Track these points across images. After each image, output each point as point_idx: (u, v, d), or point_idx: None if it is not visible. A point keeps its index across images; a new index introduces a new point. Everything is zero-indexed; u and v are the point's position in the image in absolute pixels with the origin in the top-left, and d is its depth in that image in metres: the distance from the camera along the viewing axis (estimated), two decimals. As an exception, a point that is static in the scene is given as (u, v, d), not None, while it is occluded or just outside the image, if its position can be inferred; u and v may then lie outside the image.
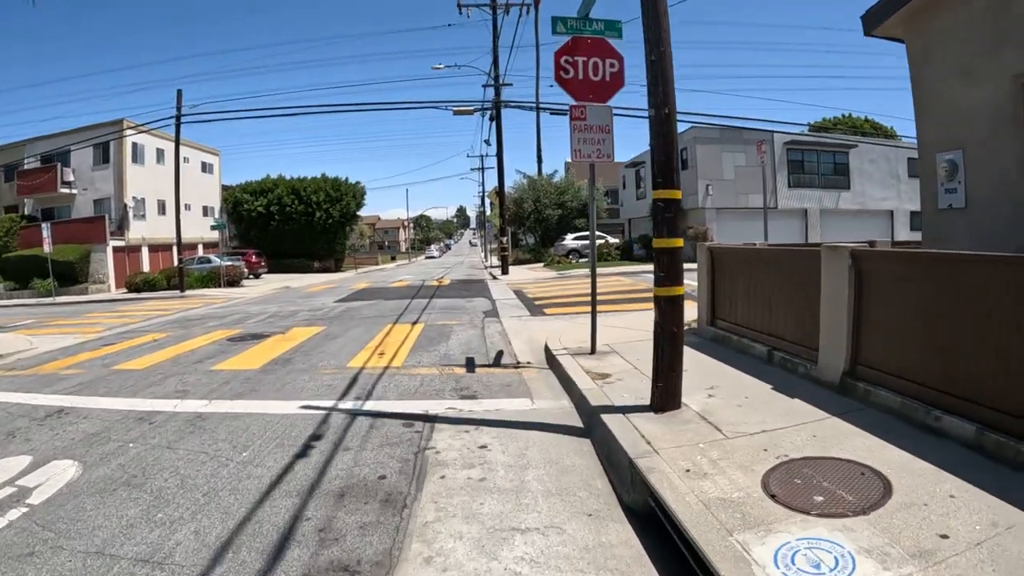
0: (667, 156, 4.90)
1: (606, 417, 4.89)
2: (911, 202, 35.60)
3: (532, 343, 9.29)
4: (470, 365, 7.91)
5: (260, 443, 4.98)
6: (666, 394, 4.97)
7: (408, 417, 5.55)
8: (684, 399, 5.11)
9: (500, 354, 8.59)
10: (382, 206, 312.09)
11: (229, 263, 33.14)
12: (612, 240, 38.30)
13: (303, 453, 4.70)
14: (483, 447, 4.71)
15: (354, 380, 7.19)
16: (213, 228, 33.87)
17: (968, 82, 7.15)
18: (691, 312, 12.05)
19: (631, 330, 9.37)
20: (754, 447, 4.05)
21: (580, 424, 5.34)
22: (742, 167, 31.04)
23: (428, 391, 6.55)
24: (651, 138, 4.98)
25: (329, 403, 6.17)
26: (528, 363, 7.95)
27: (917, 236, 36.53)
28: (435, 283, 24.45)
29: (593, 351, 7.71)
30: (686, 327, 9.98)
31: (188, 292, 27.35)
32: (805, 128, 34.35)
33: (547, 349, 8.29)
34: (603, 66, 7.22)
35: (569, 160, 59.80)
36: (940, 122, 7.91)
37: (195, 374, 8.02)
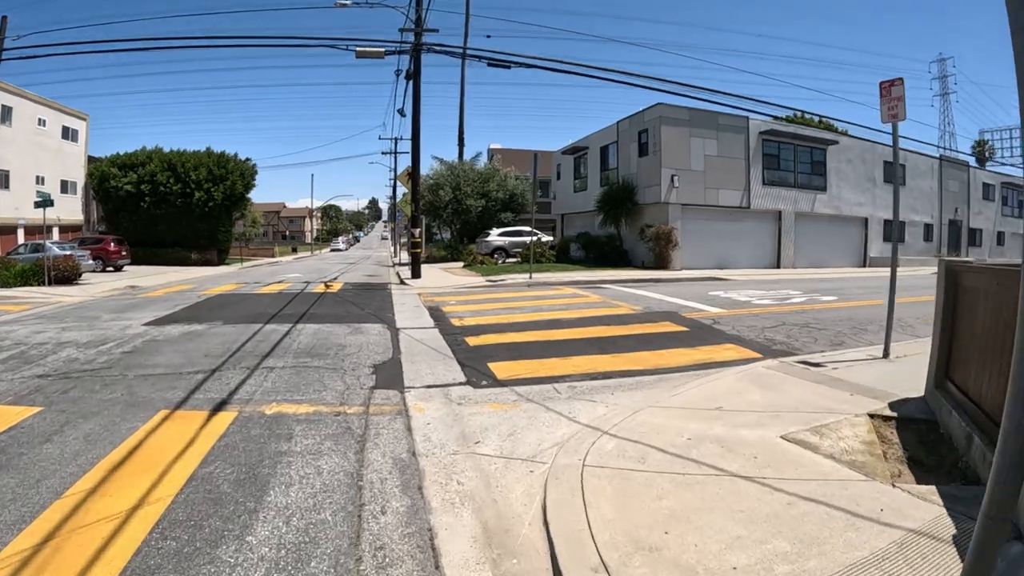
0: None
1: None
2: (885, 209, 31.69)
3: (502, 555, 3.00)
4: None
5: None
6: None
7: None
8: None
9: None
10: (290, 195, 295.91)
11: (63, 253, 25.19)
12: (546, 238, 32.38)
13: None
14: None
15: None
16: (38, 205, 25.73)
17: None
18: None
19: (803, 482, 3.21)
20: None
21: None
22: (713, 156, 25.72)
23: None
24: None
25: None
26: None
27: (890, 248, 32.61)
28: (321, 288, 17.75)
29: None
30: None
31: (-1, 292, 19.67)
32: (769, 119, 29.49)
33: None
34: None
35: (495, 146, 53.94)
36: None
37: None
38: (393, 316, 11.42)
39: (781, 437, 4.55)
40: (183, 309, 12.91)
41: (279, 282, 20.82)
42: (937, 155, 37.56)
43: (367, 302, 13.95)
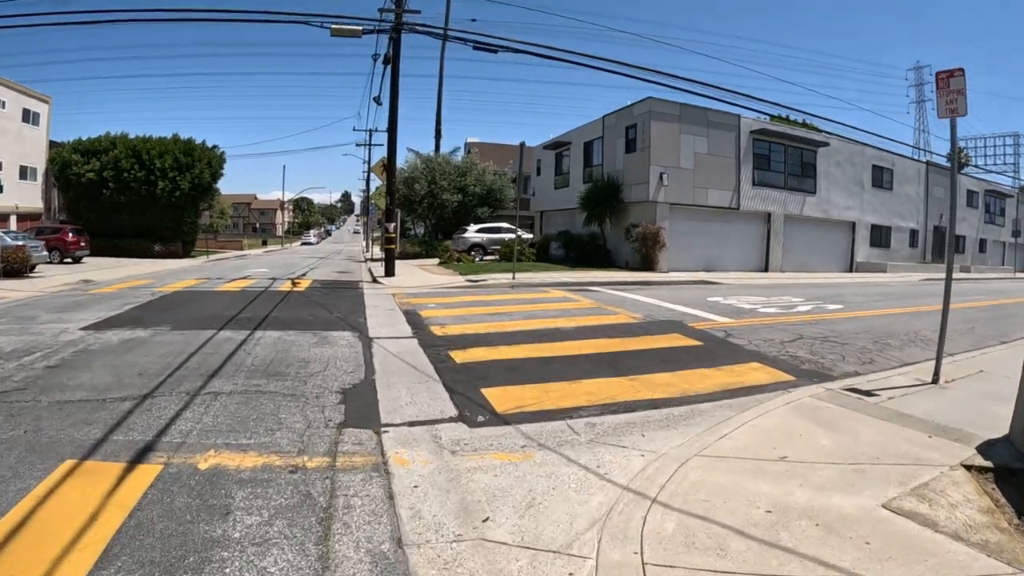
0: None
1: None
2: (873, 214, 31.15)
3: None
4: None
5: None
6: None
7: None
8: None
9: None
10: (261, 187, 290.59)
11: (15, 243, 23.28)
12: (526, 236, 31.02)
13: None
14: None
15: None
16: (-12, 191, 23.84)
17: None
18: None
19: None
20: None
21: None
22: (703, 155, 24.78)
23: None
24: None
25: None
26: None
27: (877, 253, 31.98)
28: (288, 286, 16.39)
29: None
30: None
31: (-65, 285, 17.96)
32: (761, 119, 28.55)
33: None
34: None
35: (472, 139, 52.64)
36: None
37: None
38: (365, 322, 10.16)
39: (884, 507, 3.48)
40: (132, 309, 11.52)
41: (243, 278, 19.40)
42: (924, 160, 37.20)
43: (336, 304, 12.67)
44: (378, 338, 8.60)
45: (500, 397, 5.64)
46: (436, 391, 5.84)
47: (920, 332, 10.71)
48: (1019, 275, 39.27)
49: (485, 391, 5.83)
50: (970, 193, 39.15)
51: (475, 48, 15.43)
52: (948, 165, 42.25)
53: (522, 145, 17.73)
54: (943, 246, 36.76)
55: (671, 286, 18.48)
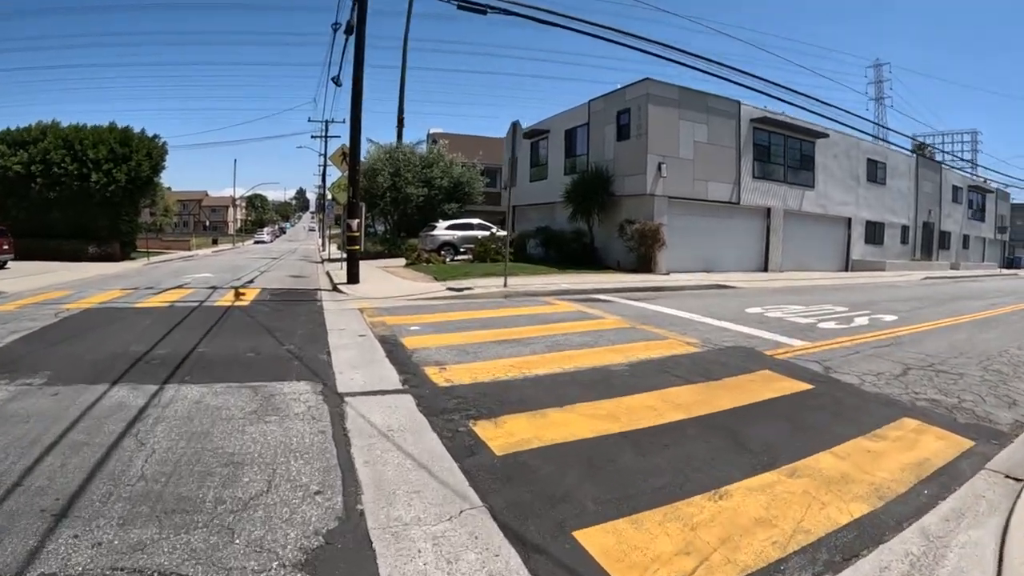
0: None
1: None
2: (868, 209, 29.40)
3: None
4: None
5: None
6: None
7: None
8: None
9: None
10: (213, 183, 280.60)
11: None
12: (500, 232, 28.02)
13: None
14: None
15: None
16: None
17: None
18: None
19: None
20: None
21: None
22: (703, 143, 22.44)
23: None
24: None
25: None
26: None
27: (871, 250, 30.14)
28: (230, 298, 13.28)
29: None
30: None
31: None
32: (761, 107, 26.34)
33: None
34: None
35: (436, 130, 49.60)
36: None
37: None
38: (330, 360, 7.22)
39: None
40: (17, 340, 8.40)
41: (179, 287, 16.24)
42: (913, 153, 35.81)
43: (289, 327, 9.68)
44: (352, 394, 5.75)
45: (622, 558, 2.92)
46: (491, 544, 3.04)
47: (1007, 350, 8.71)
48: (1005, 272, 38.20)
49: (584, 538, 3.09)
50: (955, 189, 38.01)
51: (460, 7, 12.70)
52: (939, 161, 41.10)
53: (515, 125, 15.05)
54: (931, 243, 35.42)
55: (688, 292, 16.11)
